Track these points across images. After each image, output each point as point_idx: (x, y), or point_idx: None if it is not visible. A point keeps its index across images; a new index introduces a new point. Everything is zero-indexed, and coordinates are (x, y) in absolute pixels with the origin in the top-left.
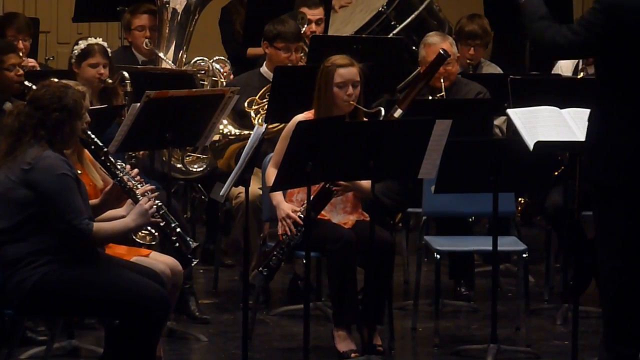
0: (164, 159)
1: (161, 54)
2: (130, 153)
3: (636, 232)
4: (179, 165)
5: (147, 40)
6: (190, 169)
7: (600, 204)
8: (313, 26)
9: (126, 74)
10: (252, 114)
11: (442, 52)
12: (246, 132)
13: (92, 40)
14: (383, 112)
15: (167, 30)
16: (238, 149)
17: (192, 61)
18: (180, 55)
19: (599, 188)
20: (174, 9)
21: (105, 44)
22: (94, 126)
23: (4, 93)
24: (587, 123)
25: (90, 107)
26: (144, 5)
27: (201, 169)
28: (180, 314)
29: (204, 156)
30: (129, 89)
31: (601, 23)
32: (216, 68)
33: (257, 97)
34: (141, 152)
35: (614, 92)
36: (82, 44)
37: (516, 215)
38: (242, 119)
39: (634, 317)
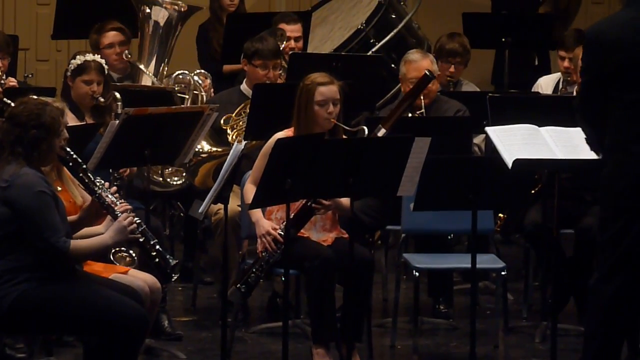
0: (144, 174)
1: (142, 67)
2: (115, 175)
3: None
4: (158, 178)
5: (127, 51)
6: (170, 181)
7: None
8: (292, 42)
9: (118, 95)
10: (229, 131)
11: (427, 73)
12: (216, 149)
13: (89, 57)
14: (366, 131)
15: (148, 43)
16: (213, 167)
17: (174, 75)
18: (161, 68)
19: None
20: (156, 22)
21: (102, 61)
22: (73, 143)
23: None
24: (565, 141)
25: (69, 125)
26: (108, 23)
27: (181, 181)
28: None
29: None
30: (119, 110)
31: (590, 58)
32: (197, 81)
33: (233, 115)
34: (125, 174)
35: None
36: (79, 59)
37: (495, 233)
38: (219, 136)
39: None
